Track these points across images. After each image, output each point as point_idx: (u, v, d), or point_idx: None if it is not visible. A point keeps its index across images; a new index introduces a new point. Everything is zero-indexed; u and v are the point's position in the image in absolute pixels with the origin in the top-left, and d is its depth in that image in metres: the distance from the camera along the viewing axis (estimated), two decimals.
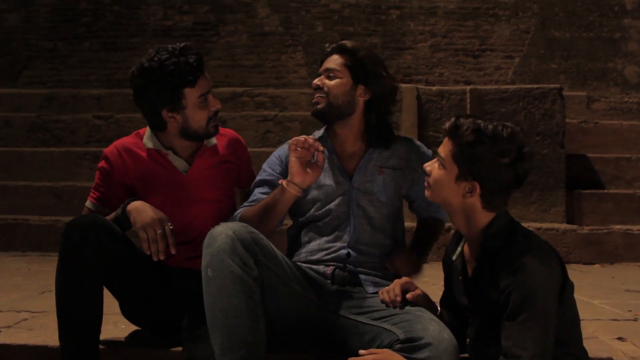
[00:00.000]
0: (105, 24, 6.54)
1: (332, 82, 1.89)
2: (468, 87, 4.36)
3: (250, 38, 6.44)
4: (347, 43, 1.92)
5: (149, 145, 1.92)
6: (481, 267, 1.52)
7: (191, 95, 1.84)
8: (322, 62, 1.95)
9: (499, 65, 6.39)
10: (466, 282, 1.60)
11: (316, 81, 1.91)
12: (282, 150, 1.98)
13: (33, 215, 4.34)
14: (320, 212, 1.89)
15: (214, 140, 1.99)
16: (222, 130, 2.05)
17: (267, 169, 1.96)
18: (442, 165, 1.50)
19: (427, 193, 1.59)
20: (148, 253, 1.73)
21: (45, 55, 6.55)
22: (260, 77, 6.35)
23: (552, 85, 4.42)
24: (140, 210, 1.75)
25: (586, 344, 1.97)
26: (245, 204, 1.94)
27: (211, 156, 1.97)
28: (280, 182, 1.81)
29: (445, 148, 1.50)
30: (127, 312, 1.96)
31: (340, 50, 1.91)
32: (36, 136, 5.42)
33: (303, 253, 1.90)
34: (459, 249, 1.62)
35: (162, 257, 1.73)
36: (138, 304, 1.91)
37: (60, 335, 1.70)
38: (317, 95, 1.90)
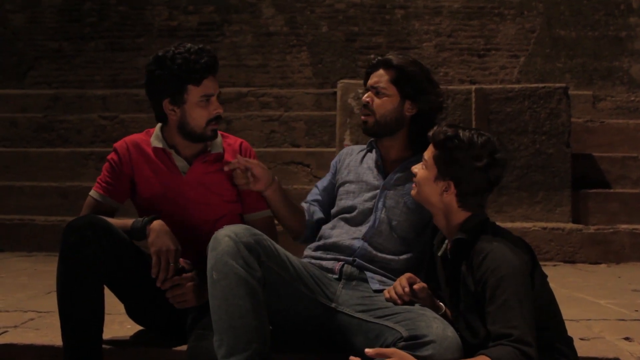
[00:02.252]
0: (111, 24, 6.57)
1: (380, 100, 1.96)
2: (473, 87, 4.33)
3: (255, 38, 6.45)
4: (393, 59, 1.96)
5: (155, 143, 1.96)
6: (455, 260, 1.63)
7: (194, 93, 1.87)
8: (368, 74, 2.01)
9: (504, 64, 6.37)
10: (447, 276, 1.70)
11: (366, 98, 1.98)
12: (338, 155, 2.15)
13: (39, 215, 4.37)
14: (350, 204, 1.98)
15: (220, 148, 2.00)
16: (234, 139, 2.07)
17: (327, 175, 2.14)
18: (425, 166, 1.68)
19: (412, 192, 1.74)
20: (154, 277, 1.74)
21: (51, 56, 6.58)
22: (265, 77, 6.36)
23: (557, 85, 4.39)
24: (160, 233, 1.77)
25: (593, 344, 1.98)
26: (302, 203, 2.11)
27: (213, 162, 1.98)
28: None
29: (428, 152, 1.68)
30: (131, 312, 1.97)
31: (387, 65, 1.96)
32: (42, 136, 5.45)
33: (323, 239, 1.96)
34: (444, 246, 1.73)
35: (165, 286, 1.75)
36: (141, 304, 1.92)
37: (63, 335, 1.72)
38: (365, 112, 1.98)
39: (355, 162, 2.08)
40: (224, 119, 5.22)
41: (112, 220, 1.83)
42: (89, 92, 6.03)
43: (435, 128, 1.66)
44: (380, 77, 1.96)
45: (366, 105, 1.97)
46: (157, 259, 1.74)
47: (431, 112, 1.99)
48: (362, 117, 2.00)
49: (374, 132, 2.00)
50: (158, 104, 1.92)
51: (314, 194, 2.13)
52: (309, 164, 4.72)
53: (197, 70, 1.84)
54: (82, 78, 6.51)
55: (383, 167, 2.01)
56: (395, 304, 1.68)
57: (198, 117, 1.89)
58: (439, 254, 1.74)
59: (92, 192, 1.96)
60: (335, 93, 4.78)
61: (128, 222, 1.84)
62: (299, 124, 5.29)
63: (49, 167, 4.92)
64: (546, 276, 1.63)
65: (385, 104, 1.95)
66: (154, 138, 1.97)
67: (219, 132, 2.05)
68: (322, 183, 2.14)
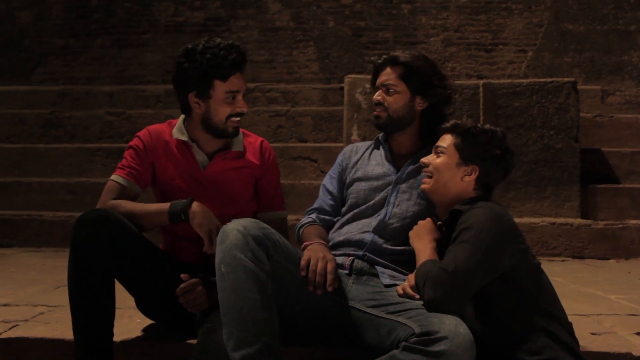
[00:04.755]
0: (117, 20, 6.57)
1: (392, 98, 1.98)
2: (481, 82, 4.31)
3: (262, 33, 6.44)
4: (400, 55, 1.97)
5: (177, 135, 1.97)
6: (448, 232, 1.71)
7: (220, 88, 1.88)
8: (376, 73, 2.02)
9: (512, 59, 6.34)
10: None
11: (377, 97, 2.00)
12: (341, 154, 2.16)
13: (47, 211, 4.38)
14: (361, 200, 1.99)
15: (240, 146, 2.00)
16: (255, 138, 2.07)
17: (330, 173, 2.13)
18: (443, 153, 1.76)
19: (425, 186, 1.79)
20: (210, 253, 1.76)
21: (58, 52, 6.60)
22: (272, 72, 6.35)
23: (566, 79, 4.35)
24: (205, 213, 1.81)
25: (604, 339, 1.96)
26: (310, 209, 2.09)
27: (233, 159, 1.99)
28: None
29: (445, 141, 1.78)
30: (142, 306, 1.97)
31: (393, 63, 1.98)
32: (50, 132, 5.46)
33: (334, 235, 1.97)
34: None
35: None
36: (151, 298, 1.92)
37: (74, 328, 1.72)
38: (378, 109, 1.99)
39: (363, 160, 2.09)
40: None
41: (140, 204, 1.85)
42: (95, 89, 6.04)
43: (452, 122, 1.78)
44: (388, 75, 1.98)
45: (378, 103, 1.99)
46: (209, 238, 1.78)
47: (441, 105, 2.02)
48: (375, 113, 2.00)
49: (386, 127, 2.01)
50: (184, 97, 1.92)
51: (326, 201, 2.10)
52: (316, 159, 4.71)
53: (225, 66, 1.85)
54: (89, 74, 6.53)
55: (393, 162, 2.03)
56: (413, 299, 1.67)
57: (222, 112, 1.90)
58: None
59: (114, 177, 1.94)
60: (342, 88, 4.77)
61: (162, 205, 1.85)
62: (306, 119, 5.28)
63: (57, 163, 4.94)
64: (539, 263, 1.68)
65: (397, 100, 1.97)
66: (176, 130, 1.98)
67: (241, 130, 2.05)
68: (331, 184, 2.12)
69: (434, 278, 1.55)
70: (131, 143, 1.99)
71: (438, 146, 1.78)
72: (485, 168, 1.74)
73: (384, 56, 2.01)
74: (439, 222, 1.81)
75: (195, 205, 1.82)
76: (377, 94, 2.00)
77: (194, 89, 1.89)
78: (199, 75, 1.86)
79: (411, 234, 1.80)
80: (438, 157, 1.78)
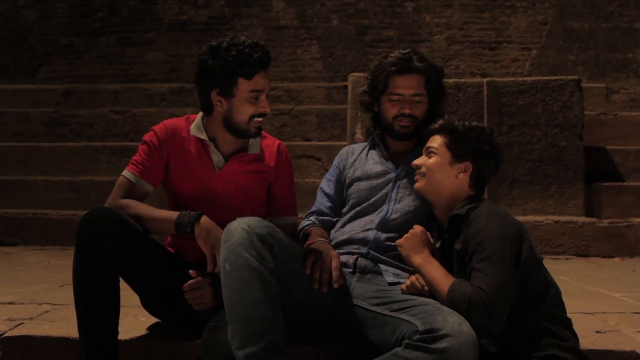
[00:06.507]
0: (121, 19, 6.59)
1: (419, 108, 1.99)
2: (485, 80, 4.30)
3: (266, 32, 6.44)
4: (425, 66, 1.97)
5: (195, 132, 1.94)
6: (451, 237, 1.71)
7: (244, 87, 1.85)
8: (390, 76, 1.97)
9: (516, 57, 6.32)
10: (443, 262, 1.74)
11: (409, 110, 1.98)
12: (337, 157, 2.18)
13: (52, 209, 4.39)
14: (362, 199, 2.00)
15: (257, 149, 1.99)
16: (272, 140, 2.06)
17: (327, 176, 2.14)
18: (435, 154, 1.78)
19: (418, 184, 1.80)
20: (209, 272, 1.76)
21: (62, 51, 6.62)
22: (276, 70, 6.34)
23: (570, 77, 4.34)
24: (212, 230, 1.77)
25: (609, 337, 1.96)
26: (309, 212, 2.11)
27: (249, 162, 1.98)
28: None
29: (436, 141, 1.79)
30: (147, 305, 1.97)
31: (421, 72, 1.97)
32: (54, 131, 5.48)
33: (336, 234, 1.98)
34: (440, 240, 1.80)
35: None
36: (156, 297, 1.92)
37: (79, 327, 1.72)
38: (407, 120, 1.99)
39: (361, 160, 2.10)
40: None
41: (149, 208, 1.82)
42: (100, 87, 6.06)
43: (439, 122, 1.80)
44: (417, 86, 1.97)
45: (410, 115, 1.98)
46: (212, 256, 1.74)
47: (441, 102, 2.06)
48: (404, 123, 1.98)
49: (409, 136, 2.02)
50: (206, 94, 1.89)
51: (324, 203, 2.11)
52: (320, 158, 4.71)
53: (250, 63, 1.82)
54: (93, 73, 6.55)
55: (391, 160, 2.05)
56: (420, 294, 1.67)
57: (245, 112, 1.87)
58: (437, 245, 1.79)
59: (125, 173, 1.91)
60: (346, 86, 4.77)
61: (170, 213, 1.82)
62: (309, 118, 5.28)
63: (62, 161, 4.95)
64: (541, 258, 1.67)
65: (423, 110, 2.00)
66: (194, 127, 1.95)
67: None
68: (328, 186, 2.13)
69: (479, 304, 1.49)
70: (146, 137, 1.95)
71: (429, 147, 1.79)
72: (477, 164, 1.75)
73: (401, 55, 1.97)
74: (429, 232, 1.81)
75: (203, 221, 1.78)
76: (407, 106, 1.97)
77: (217, 87, 1.86)
78: (223, 73, 1.83)
79: (404, 245, 1.75)
80: (430, 157, 1.79)
